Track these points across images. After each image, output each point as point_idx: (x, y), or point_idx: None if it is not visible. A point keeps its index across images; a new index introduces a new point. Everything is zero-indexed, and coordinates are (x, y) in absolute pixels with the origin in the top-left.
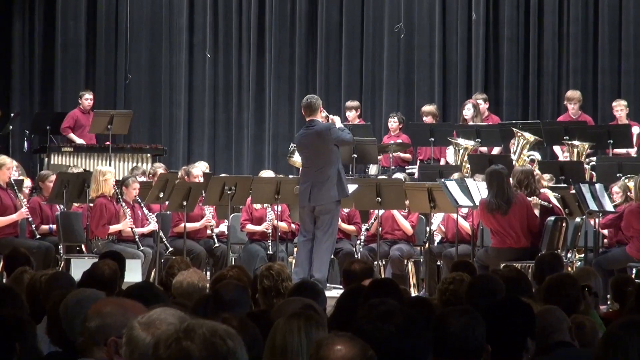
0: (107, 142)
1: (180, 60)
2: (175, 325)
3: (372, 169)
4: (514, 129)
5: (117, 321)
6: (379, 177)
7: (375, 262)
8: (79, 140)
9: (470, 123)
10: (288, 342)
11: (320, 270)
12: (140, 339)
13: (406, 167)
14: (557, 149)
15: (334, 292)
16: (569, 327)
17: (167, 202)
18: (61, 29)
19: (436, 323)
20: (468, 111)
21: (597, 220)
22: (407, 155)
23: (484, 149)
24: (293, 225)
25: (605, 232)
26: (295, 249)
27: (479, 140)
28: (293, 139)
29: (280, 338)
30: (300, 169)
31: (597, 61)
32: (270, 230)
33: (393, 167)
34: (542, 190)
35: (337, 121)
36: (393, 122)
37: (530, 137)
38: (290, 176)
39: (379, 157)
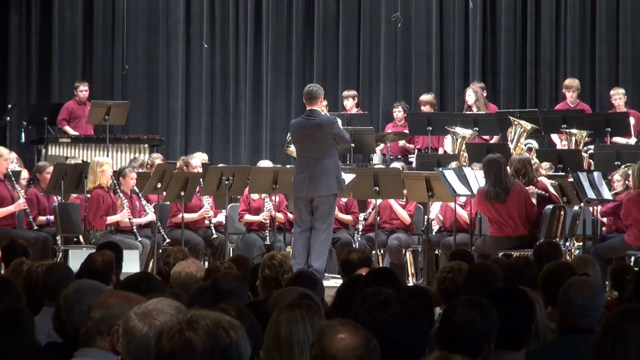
0: (89, 132)
1: (177, 51)
2: (172, 315)
3: (375, 159)
4: (511, 117)
5: (122, 311)
6: (376, 166)
7: (374, 252)
8: (74, 132)
9: (474, 109)
10: (294, 333)
11: (318, 260)
12: (136, 330)
13: (409, 156)
14: (555, 137)
15: (332, 282)
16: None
17: (164, 193)
18: (58, 21)
19: (444, 313)
20: (469, 97)
21: (597, 208)
22: (411, 146)
23: (486, 137)
24: (290, 215)
25: (605, 219)
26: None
27: (477, 129)
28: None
29: (285, 329)
30: (296, 159)
31: (594, 49)
32: (268, 221)
33: (399, 157)
34: (539, 178)
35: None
36: (398, 112)
37: (528, 126)
38: (288, 166)
39: (379, 146)
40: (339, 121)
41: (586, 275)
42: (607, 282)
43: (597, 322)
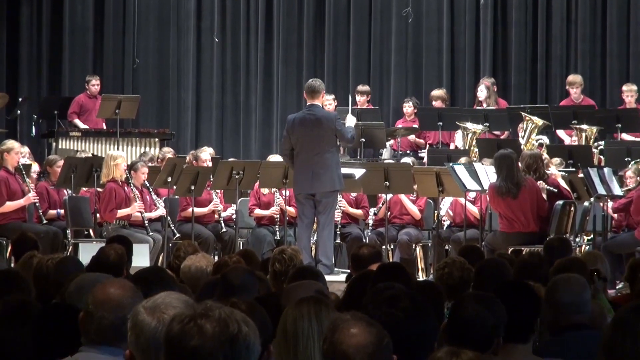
0: (103, 126)
1: (188, 45)
2: (181, 309)
3: (385, 153)
4: (522, 113)
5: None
6: (386, 161)
7: (384, 247)
8: (83, 126)
9: (485, 104)
10: (299, 327)
11: (327, 256)
12: (145, 324)
13: (420, 151)
14: (561, 133)
15: (342, 277)
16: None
17: (174, 187)
18: (69, 14)
19: (452, 308)
20: (481, 92)
21: (608, 204)
22: (421, 141)
23: (496, 133)
24: None
25: (615, 215)
26: None
27: (488, 124)
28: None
29: (290, 324)
30: (295, 154)
31: (605, 45)
32: (278, 215)
33: (409, 152)
34: (551, 172)
35: (351, 121)
36: (408, 107)
37: (539, 121)
38: None
39: (389, 141)
40: (353, 121)
41: (597, 271)
42: (616, 278)
43: (587, 316)
